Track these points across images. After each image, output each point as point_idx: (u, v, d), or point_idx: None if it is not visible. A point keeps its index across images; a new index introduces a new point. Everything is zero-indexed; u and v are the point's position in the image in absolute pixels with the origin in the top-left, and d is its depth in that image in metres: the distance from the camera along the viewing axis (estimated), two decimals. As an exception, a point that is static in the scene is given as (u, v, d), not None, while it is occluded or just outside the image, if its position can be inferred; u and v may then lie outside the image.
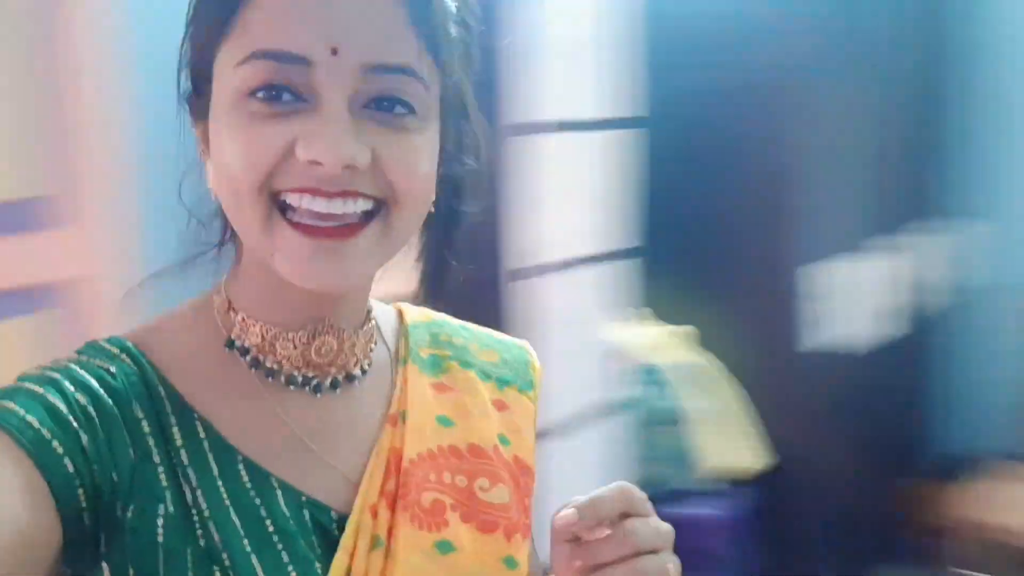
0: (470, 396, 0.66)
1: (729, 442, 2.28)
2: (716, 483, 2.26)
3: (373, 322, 0.63)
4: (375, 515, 0.56)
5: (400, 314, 0.69)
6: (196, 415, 0.55)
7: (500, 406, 0.67)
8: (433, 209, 0.58)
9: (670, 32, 2.18)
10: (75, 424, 0.49)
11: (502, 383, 0.69)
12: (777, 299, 2.36)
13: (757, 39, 2.28)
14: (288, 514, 0.54)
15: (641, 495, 0.52)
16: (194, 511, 0.52)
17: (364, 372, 0.61)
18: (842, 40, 2.32)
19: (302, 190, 0.50)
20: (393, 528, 0.57)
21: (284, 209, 0.51)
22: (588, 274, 1.85)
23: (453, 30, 0.54)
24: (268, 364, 0.58)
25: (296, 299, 0.56)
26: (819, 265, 2.31)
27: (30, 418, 0.48)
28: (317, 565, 0.53)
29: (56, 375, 0.51)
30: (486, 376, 0.68)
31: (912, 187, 2.60)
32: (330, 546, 0.55)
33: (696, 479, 2.25)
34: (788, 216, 2.36)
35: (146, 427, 0.53)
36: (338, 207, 0.50)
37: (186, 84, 0.57)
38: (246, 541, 0.52)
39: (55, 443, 0.48)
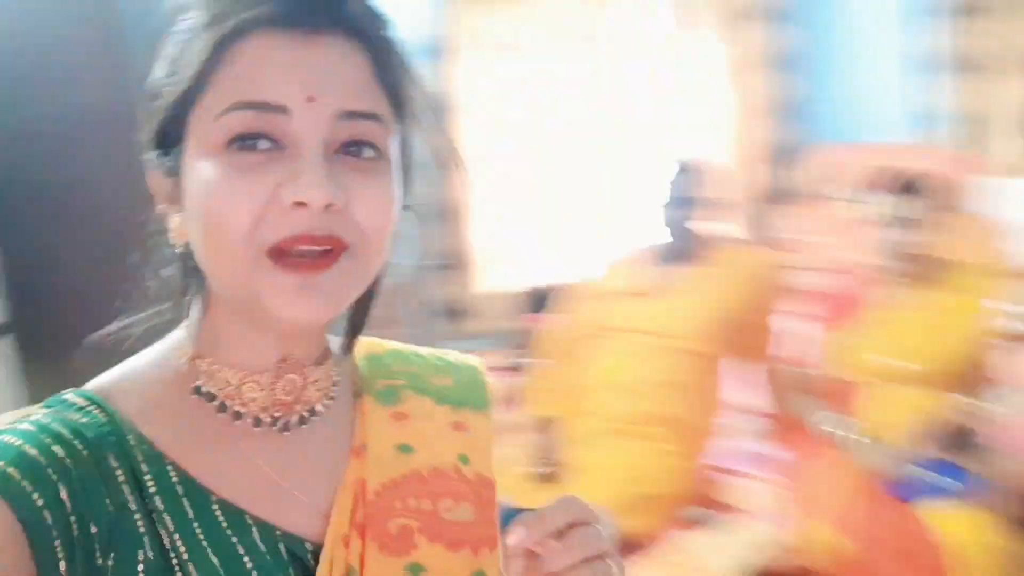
0: (427, 422, 0.69)
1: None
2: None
3: (332, 357, 0.65)
4: (347, 545, 0.60)
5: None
6: (168, 461, 0.56)
7: (458, 427, 0.70)
8: None
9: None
10: (53, 476, 0.51)
11: (458, 405, 0.71)
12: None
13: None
14: (264, 549, 0.57)
15: (585, 505, 0.55)
16: (172, 555, 0.54)
17: (326, 407, 0.64)
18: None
19: (293, 241, 0.53)
20: (364, 557, 0.60)
21: (268, 254, 0.53)
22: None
23: (409, 85, 0.59)
24: (236, 407, 0.60)
25: (264, 341, 0.59)
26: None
27: (10, 469, 0.50)
28: None
29: (31, 427, 0.53)
30: (442, 400, 0.71)
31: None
32: (306, 575, 0.58)
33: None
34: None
35: (121, 476, 0.54)
36: (315, 249, 0.53)
37: (148, 142, 0.58)
38: None
39: (35, 495, 0.49)
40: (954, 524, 1.76)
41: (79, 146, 1.78)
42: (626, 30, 3.26)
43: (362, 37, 0.55)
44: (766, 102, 3.67)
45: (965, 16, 3.14)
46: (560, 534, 0.54)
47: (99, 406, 0.56)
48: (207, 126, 0.53)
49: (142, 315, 0.64)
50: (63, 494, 0.51)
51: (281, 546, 0.58)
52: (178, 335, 0.63)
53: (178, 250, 0.59)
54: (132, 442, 0.56)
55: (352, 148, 0.55)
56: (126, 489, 0.54)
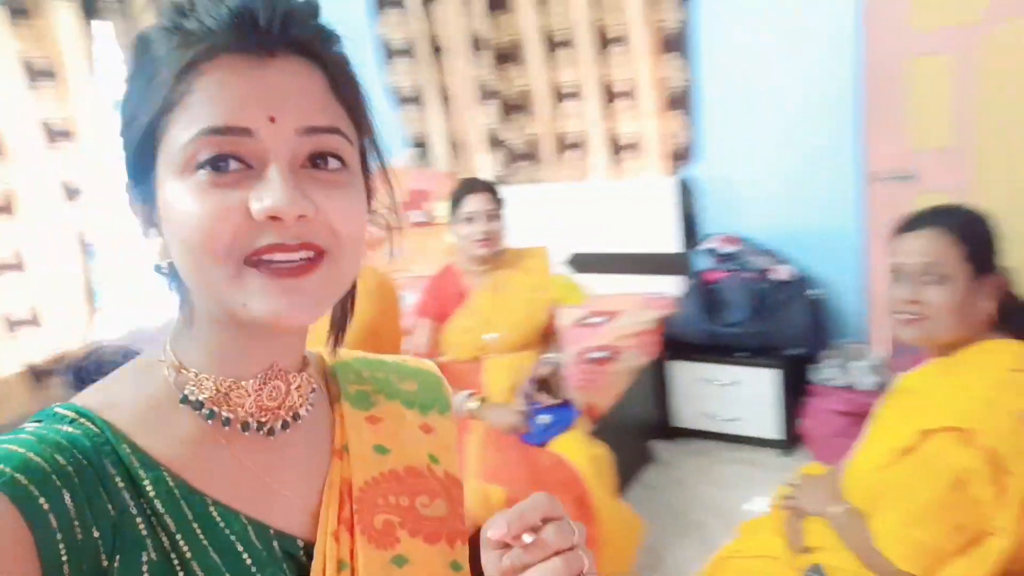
0: (399, 424, 0.74)
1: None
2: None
3: (311, 365, 0.69)
4: (338, 540, 0.64)
5: (321, 358, 0.75)
6: (162, 467, 0.58)
7: (426, 429, 0.75)
8: None
9: None
10: (57, 482, 0.52)
11: (424, 409, 0.77)
12: None
13: None
14: (260, 547, 0.60)
15: (556, 502, 0.59)
16: (174, 555, 0.56)
17: (308, 412, 0.67)
18: None
19: (267, 250, 0.55)
20: (354, 550, 0.64)
21: (249, 263, 0.56)
22: None
23: (362, 98, 0.63)
24: (223, 414, 0.61)
25: (249, 350, 0.62)
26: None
27: (18, 475, 0.51)
28: None
29: (30, 437, 0.54)
30: (409, 404, 0.76)
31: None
32: (300, 571, 0.62)
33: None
34: None
35: (120, 482, 0.55)
36: (295, 257, 0.56)
37: (123, 174, 0.60)
38: None
39: (41, 500, 0.51)
40: (569, 447, 2.27)
41: None
42: None
43: (315, 56, 0.58)
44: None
45: (438, 56, 3.82)
46: (535, 529, 0.57)
47: (89, 419, 0.57)
48: (176, 153, 0.55)
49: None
50: (67, 500, 0.52)
51: (275, 544, 0.61)
52: (160, 348, 0.64)
53: (163, 270, 0.61)
54: (126, 451, 0.57)
55: (318, 161, 0.58)
56: (126, 494, 0.55)
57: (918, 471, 1.30)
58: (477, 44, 3.66)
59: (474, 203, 2.32)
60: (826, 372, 2.90)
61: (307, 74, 0.57)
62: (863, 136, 2.98)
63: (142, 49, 0.58)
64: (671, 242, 3.36)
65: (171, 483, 0.58)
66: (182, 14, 0.56)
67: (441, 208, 2.47)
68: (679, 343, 3.12)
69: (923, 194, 2.92)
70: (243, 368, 0.62)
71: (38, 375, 2.73)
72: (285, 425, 0.64)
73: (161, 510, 0.56)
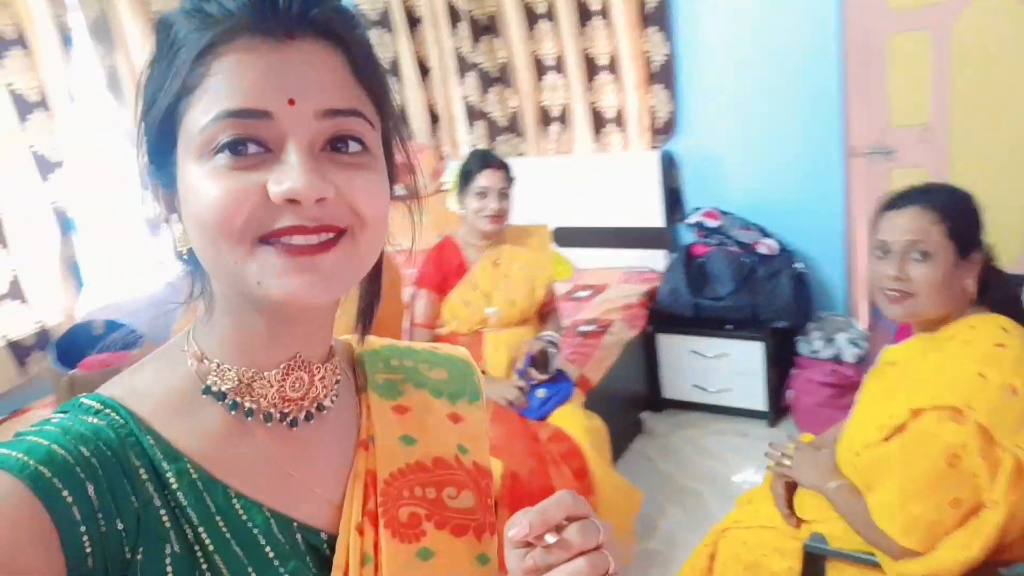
0: (427, 413, 0.72)
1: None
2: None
3: (336, 355, 0.67)
4: (361, 533, 0.63)
5: (350, 346, 0.74)
6: (185, 458, 0.58)
7: (455, 419, 0.74)
8: None
9: None
10: (81, 474, 0.52)
11: (454, 397, 0.75)
12: None
13: None
14: (283, 539, 0.59)
15: (581, 500, 0.57)
16: (197, 547, 0.56)
17: (332, 402, 0.65)
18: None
19: (284, 232, 0.54)
20: (378, 544, 0.63)
21: (265, 243, 0.55)
22: None
23: (384, 81, 0.62)
24: (246, 405, 0.61)
25: (270, 339, 0.61)
26: None
27: (42, 468, 0.51)
28: None
29: (55, 429, 0.54)
30: (438, 393, 0.74)
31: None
32: (323, 564, 0.61)
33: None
34: None
35: (143, 474, 0.55)
36: (313, 239, 0.55)
37: (143, 158, 0.59)
38: (250, 568, 0.57)
39: (65, 492, 0.51)
40: (567, 420, 2.29)
41: None
42: None
43: (336, 38, 0.57)
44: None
45: (415, 28, 3.75)
46: (558, 528, 0.56)
47: (114, 409, 0.57)
48: (195, 136, 0.54)
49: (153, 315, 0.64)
50: (91, 492, 0.52)
51: (298, 536, 0.61)
52: (184, 338, 0.63)
53: (183, 256, 0.60)
54: (150, 441, 0.57)
55: (339, 145, 0.56)
56: (149, 487, 0.55)
57: (912, 448, 1.33)
58: (455, 15, 3.60)
59: (487, 179, 2.30)
60: (811, 344, 2.97)
61: (327, 56, 0.56)
62: (843, 111, 3.04)
63: (163, 32, 0.57)
64: (655, 216, 3.38)
65: (194, 475, 0.57)
66: None
67: (446, 173, 2.44)
68: (666, 316, 3.16)
69: (901, 169, 3.01)
70: (265, 358, 0.61)
71: (20, 351, 2.62)
72: (309, 416, 0.63)
73: (184, 502, 0.56)
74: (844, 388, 2.81)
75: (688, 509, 2.64)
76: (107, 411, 0.57)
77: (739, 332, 3.02)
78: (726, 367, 3.06)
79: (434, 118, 3.88)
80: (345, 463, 0.65)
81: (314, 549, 0.61)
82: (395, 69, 3.85)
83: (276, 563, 0.58)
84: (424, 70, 3.82)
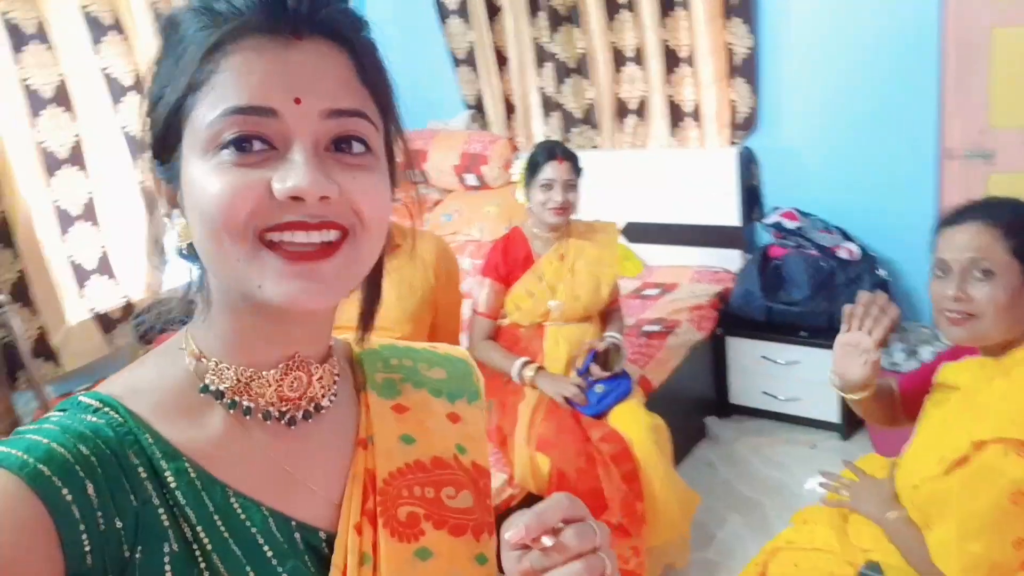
0: (426, 413, 0.72)
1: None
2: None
3: (334, 355, 0.68)
4: (360, 533, 0.62)
5: (349, 345, 0.74)
6: (184, 457, 0.58)
7: (454, 419, 0.74)
8: None
9: None
10: (80, 473, 0.52)
11: (452, 397, 0.75)
12: None
13: None
14: (281, 538, 0.59)
15: (578, 502, 0.57)
16: (195, 546, 0.56)
17: (331, 402, 0.66)
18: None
19: (287, 227, 0.54)
20: (377, 543, 0.63)
21: (267, 245, 0.55)
22: None
23: (389, 83, 0.62)
24: (244, 403, 0.61)
25: (268, 339, 0.61)
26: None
27: (41, 466, 0.51)
28: None
29: (54, 427, 0.54)
30: (437, 392, 0.74)
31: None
32: (322, 563, 0.61)
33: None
34: None
35: (142, 472, 0.55)
36: (315, 237, 0.55)
37: (148, 153, 0.60)
38: (249, 568, 0.57)
39: (64, 490, 0.51)
40: (628, 417, 2.23)
41: None
42: None
43: (343, 40, 0.57)
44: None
45: (494, 18, 3.74)
46: (555, 530, 0.56)
47: (113, 408, 0.57)
48: (201, 132, 0.54)
49: (153, 314, 0.65)
50: (90, 490, 0.52)
51: (297, 535, 0.60)
52: (182, 336, 0.63)
53: (184, 252, 0.60)
54: (148, 440, 0.57)
55: (343, 145, 0.57)
56: (148, 485, 0.55)
57: (973, 483, 1.24)
58: (534, 5, 3.56)
59: (554, 171, 2.28)
60: (891, 356, 2.82)
61: (334, 57, 0.57)
62: (939, 109, 2.85)
63: (171, 30, 0.58)
64: (731, 215, 3.27)
65: (192, 474, 0.57)
66: None
67: (515, 165, 2.43)
68: (737, 319, 3.06)
69: (1000, 174, 2.80)
70: (262, 357, 0.61)
71: (107, 323, 2.77)
72: (307, 415, 0.63)
73: (182, 501, 0.56)
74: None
75: (748, 520, 2.56)
76: (106, 409, 0.57)
77: (814, 339, 2.89)
78: (798, 375, 2.94)
79: (509, 109, 3.86)
80: (344, 462, 0.66)
81: (313, 548, 0.61)
82: (472, 59, 3.85)
83: (274, 562, 0.58)
84: (501, 60, 3.81)
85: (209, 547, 0.56)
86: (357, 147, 0.57)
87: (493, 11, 3.72)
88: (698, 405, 3.11)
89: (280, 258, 0.55)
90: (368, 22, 0.61)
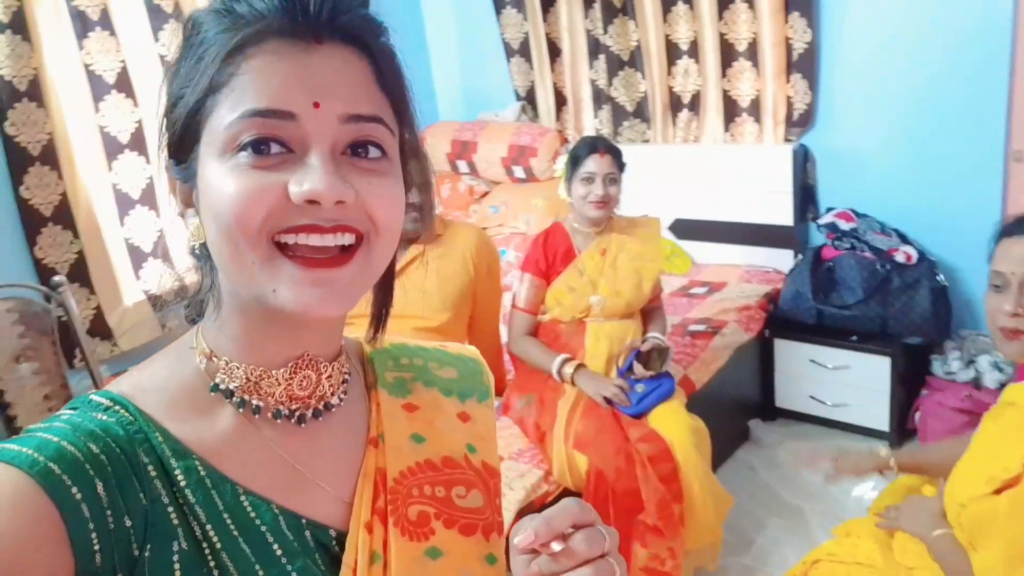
0: (436, 412, 0.72)
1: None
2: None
3: (344, 354, 0.68)
4: (371, 531, 0.62)
5: (360, 344, 0.74)
6: (194, 456, 0.58)
7: (464, 418, 0.74)
8: None
9: None
10: (90, 471, 0.52)
11: (463, 397, 0.75)
12: None
13: None
14: (291, 537, 0.59)
15: (588, 507, 0.57)
16: (205, 545, 0.56)
17: (341, 400, 0.66)
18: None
19: (301, 229, 0.55)
20: (387, 542, 0.63)
21: (281, 248, 0.56)
22: None
23: (406, 89, 0.62)
24: (254, 402, 0.61)
25: (278, 339, 0.61)
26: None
27: (52, 465, 0.51)
28: None
29: (65, 426, 0.55)
30: (448, 392, 0.74)
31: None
32: (332, 562, 0.61)
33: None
34: None
35: (152, 471, 0.56)
36: (330, 240, 0.56)
37: (163, 152, 0.60)
38: (258, 567, 0.57)
39: (74, 489, 0.51)
40: (668, 418, 2.20)
41: None
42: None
43: (362, 45, 0.58)
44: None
45: (548, 9, 3.71)
46: (564, 536, 0.56)
47: (123, 406, 0.58)
48: (219, 133, 0.55)
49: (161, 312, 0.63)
50: (100, 489, 0.52)
51: (307, 534, 0.61)
52: (192, 335, 0.64)
53: (196, 251, 0.61)
54: (159, 439, 0.57)
55: (359, 150, 0.57)
56: (158, 484, 0.56)
57: (1022, 505, 1.19)
58: (589, -4, 3.52)
59: (595, 164, 2.25)
60: (947, 365, 2.72)
61: (353, 62, 0.57)
62: (1008, 109, 2.73)
63: (193, 31, 0.58)
64: (784, 214, 3.19)
65: (202, 472, 0.58)
66: None
67: (557, 160, 2.41)
68: (786, 321, 2.99)
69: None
70: (271, 356, 0.62)
71: (160, 306, 2.85)
72: (317, 414, 0.64)
73: (192, 500, 0.56)
74: (979, 416, 2.55)
75: (788, 526, 2.50)
76: (116, 408, 0.58)
77: (865, 344, 2.81)
78: (847, 380, 2.86)
79: (561, 101, 3.83)
80: (355, 461, 0.66)
81: (323, 546, 0.61)
82: (525, 50, 3.83)
83: (284, 560, 0.58)
84: (554, 52, 3.78)
85: (219, 545, 0.56)
86: (373, 152, 0.58)
87: (548, 2, 3.69)
88: (742, 407, 3.05)
89: (296, 265, 0.55)
90: (387, 28, 0.61)
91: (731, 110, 3.34)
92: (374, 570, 0.61)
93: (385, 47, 0.60)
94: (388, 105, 0.59)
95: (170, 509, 0.56)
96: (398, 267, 2.37)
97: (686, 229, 3.44)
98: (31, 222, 2.56)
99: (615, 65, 3.54)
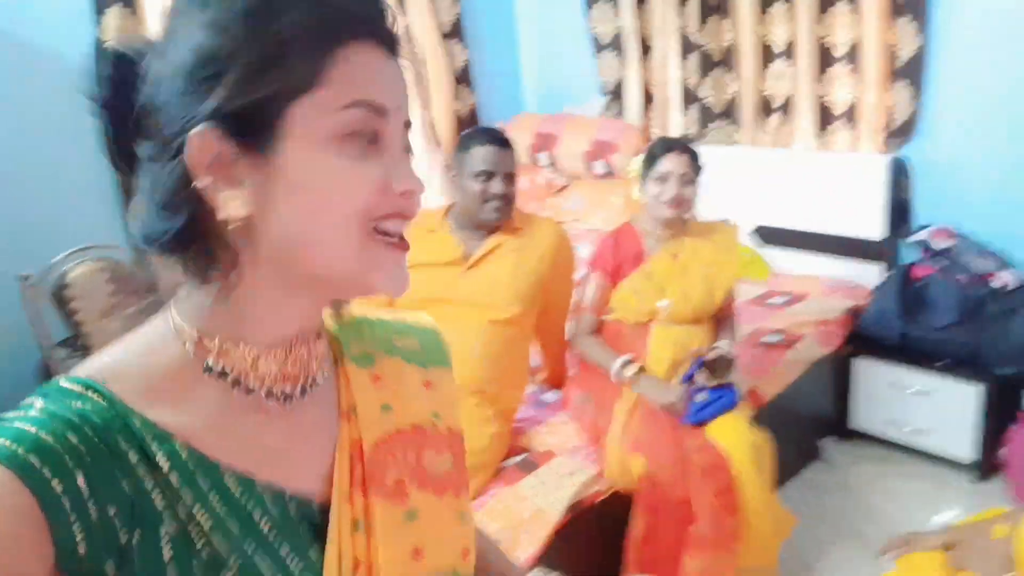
0: (400, 381, 0.75)
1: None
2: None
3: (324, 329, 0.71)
4: (351, 501, 0.65)
5: (322, 320, 0.74)
6: (175, 438, 0.58)
7: (428, 386, 0.77)
8: None
9: None
10: (70, 463, 0.52)
11: (424, 365, 0.78)
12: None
13: None
14: (276, 513, 0.61)
15: None
16: (192, 527, 0.56)
17: (325, 377, 0.68)
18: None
19: (399, 215, 0.61)
20: (368, 509, 0.66)
21: (380, 231, 0.61)
22: None
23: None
24: (249, 383, 0.62)
25: (291, 314, 0.63)
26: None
27: (30, 457, 0.51)
28: (311, 552, 0.62)
29: (40, 415, 0.54)
30: (409, 360, 0.77)
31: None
32: (317, 534, 0.63)
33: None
34: None
35: (133, 457, 0.55)
36: (403, 228, 0.63)
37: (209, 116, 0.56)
38: (246, 544, 0.58)
39: (54, 481, 0.51)
40: (729, 431, 2.13)
41: None
42: None
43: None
44: (450, 74, 3.84)
45: (642, 5, 3.65)
46: None
47: (98, 392, 0.57)
48: (321, 119, 0.57)
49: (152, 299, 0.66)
50: (80, 481, 0.52)
51: (291, 507, 0.63)
52: (168, 318, 0.63)
53: (230, 227, 0.58)
54: (136, 424, 0.56)
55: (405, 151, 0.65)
56: (140, 470, 0.56)
57: None
58: (685, -8, 3.44)
59: (670, 163, 2.19)
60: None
61: (404, 75, 0.64)
62: None
63: (263, 9, 0.55)
64: (875, 227, 3.03)
65: (184, 455, 0.58)
66: None
67: (631, 162, 2.37)
68: (868, 339, 2.85)
69: None
70: (277, 337, 0.63)
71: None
72: (303, 391, 0.66)
73: (176, 484, 0.57)
74: (1075, 457, 2.37)
75: (851, 554, 2.39)
76: (90, 394, 0.56)
77: (955, 371, 2.65)
78: (932, 406, 2.70)
79: (648, 98, 3.76)
80: (332, 434, 0.68)
81: (308, 520, 0.64)
82: (617, 45, 3.77)
83: (271, 536, 0.60)
84: (645, 49, 3.71)
85: (206, 526, 0.57)
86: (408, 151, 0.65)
87: (641, -1, 3.63)
88: (813, 425, 2.93)
89: (389, 249, 0.61)
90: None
91: (825, 116, 3.20)
92: (357, 537, 0.64)
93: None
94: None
95: (154, 494, 0.56)
96: (476, 256, 2.36)
97: (769, 236, 3.32)
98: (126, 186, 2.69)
99: (706, 65, 3.45)
